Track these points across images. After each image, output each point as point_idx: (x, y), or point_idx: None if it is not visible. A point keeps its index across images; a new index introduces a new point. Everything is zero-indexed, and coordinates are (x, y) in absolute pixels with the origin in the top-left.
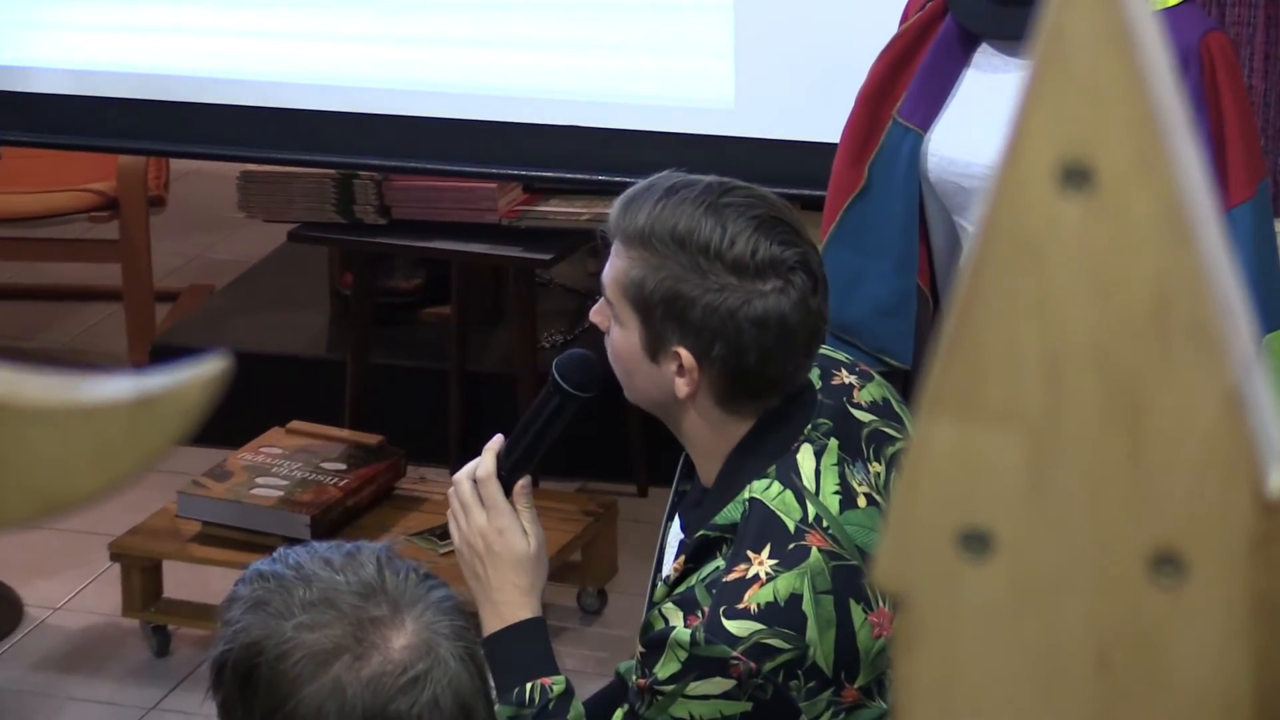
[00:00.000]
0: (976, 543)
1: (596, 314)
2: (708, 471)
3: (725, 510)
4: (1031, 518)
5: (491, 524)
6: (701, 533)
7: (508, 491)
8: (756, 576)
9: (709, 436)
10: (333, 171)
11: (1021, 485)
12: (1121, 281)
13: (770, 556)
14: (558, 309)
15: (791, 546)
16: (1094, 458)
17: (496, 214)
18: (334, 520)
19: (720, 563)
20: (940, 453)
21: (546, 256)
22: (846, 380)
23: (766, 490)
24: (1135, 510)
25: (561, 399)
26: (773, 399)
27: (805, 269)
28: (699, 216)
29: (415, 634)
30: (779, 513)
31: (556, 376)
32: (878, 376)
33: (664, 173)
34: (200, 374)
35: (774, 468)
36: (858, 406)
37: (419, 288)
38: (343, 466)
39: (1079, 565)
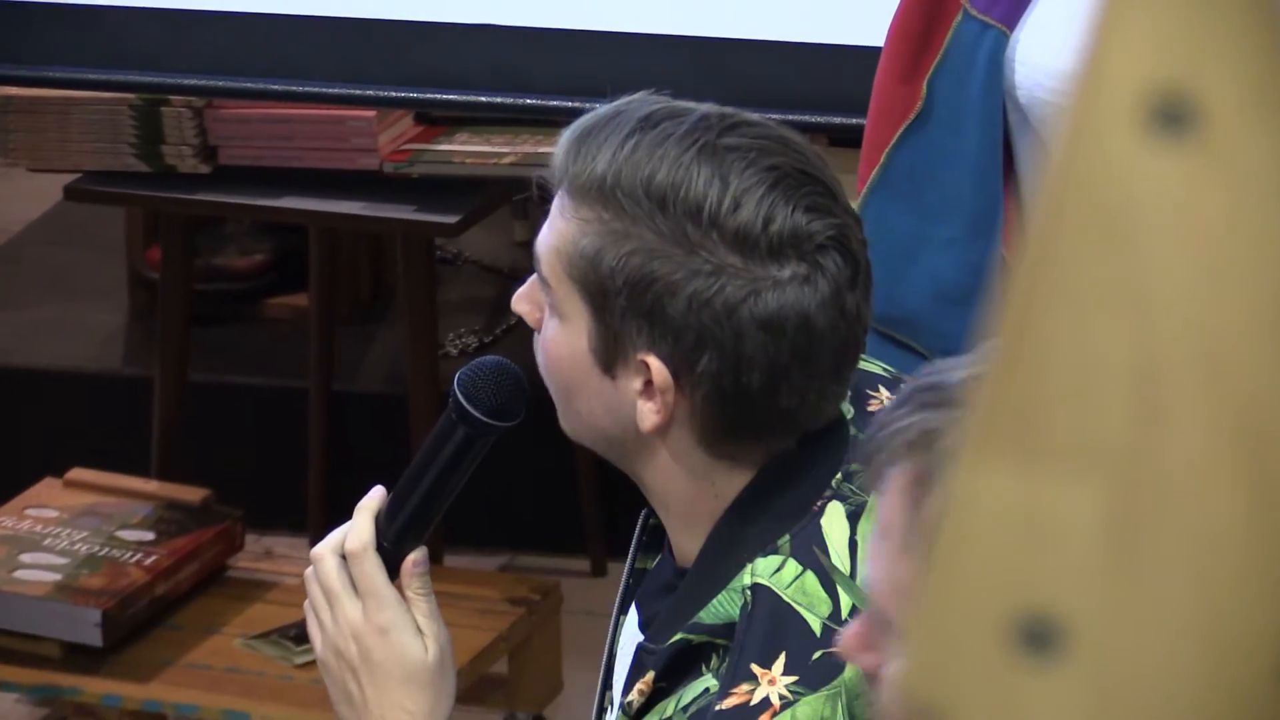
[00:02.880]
0: (1041, 637)
1: (524, 301)
2: (685, 542)
3: (715, 603)
4: (1117, 601)
5: (370, 620)
6: (680, 637)
7: (393, 571)
8: (767, 702)
9: (686, 491)
10: (131, 96)
11: (1102, 555)
12: (1238, 265)
13: (787, 672)
14: (469, 298)
15: (817, 656)
16: (1203, 514)
17: (376, 156)
18: (137, 616)
19: (711, 681)
20: (990, 512)
21: (451, 219)
22: (888, 401)
23: (777, 573)
24: (1262, 588)
25: (468, 432)
26: (782, 441)
27: (841, 249)
28: (689, 164)
29: None
30: (797, 606)
31: (460, 397)
32: None
33: (636, 96)
34: None
35: (787, 539)
36: None
37: (261, 268)
38: (150, 535)
39: (1183, 667)
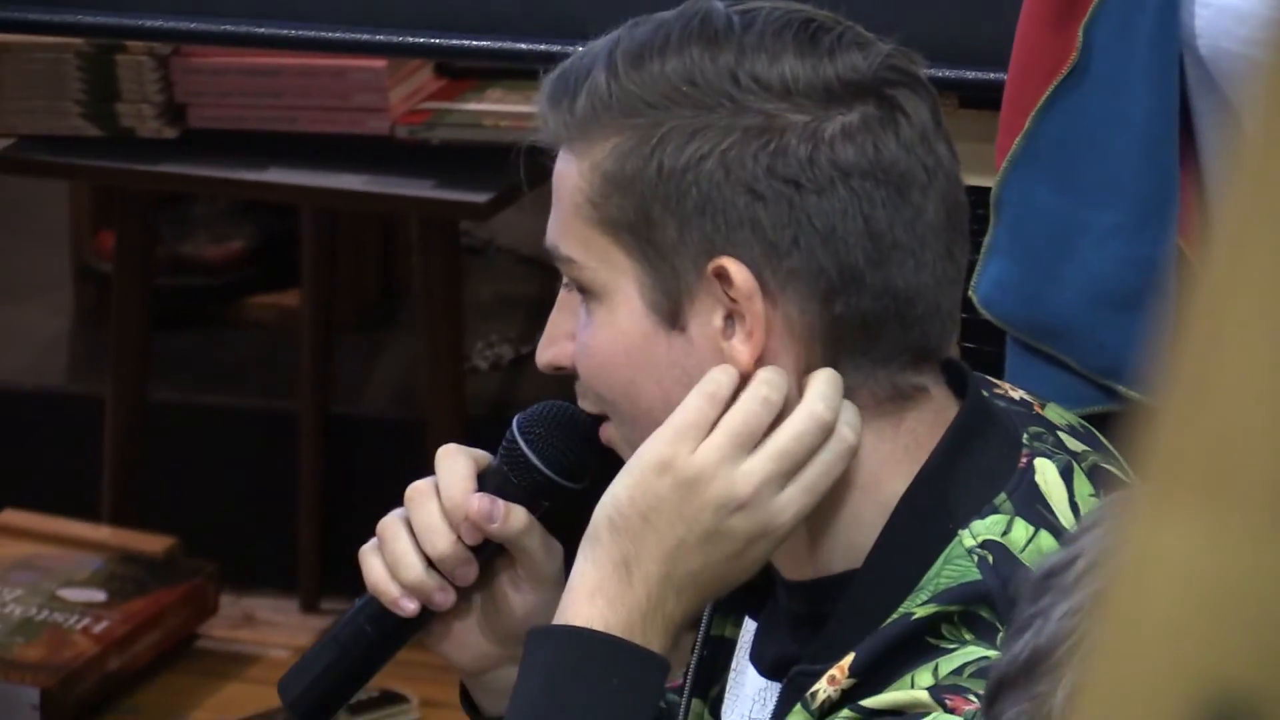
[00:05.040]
0: None
1: (552, 344)
2: (815, 539)
3: (934, 574)
4: None
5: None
6: (899, 613)
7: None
8: None
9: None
10: (79, 41)
11: None
12: None
13: None
14: (502, 297)
15: None
16: None
17: (387, 118)
18: (84, 697)
19: (985, 651)
20: (1175, 574)
21: (480, 198)
22: (1012, 393)
23: (1007, 534)
24: None
25: (528, 492)
26: (904, 358)
27: (912, 83)
28: (697, 36)
29: None
30: None
31: (522, 445)
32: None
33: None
34: None
35: (1004, 496)
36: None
37: (239, 259)
38: (100, 595)
39: None
